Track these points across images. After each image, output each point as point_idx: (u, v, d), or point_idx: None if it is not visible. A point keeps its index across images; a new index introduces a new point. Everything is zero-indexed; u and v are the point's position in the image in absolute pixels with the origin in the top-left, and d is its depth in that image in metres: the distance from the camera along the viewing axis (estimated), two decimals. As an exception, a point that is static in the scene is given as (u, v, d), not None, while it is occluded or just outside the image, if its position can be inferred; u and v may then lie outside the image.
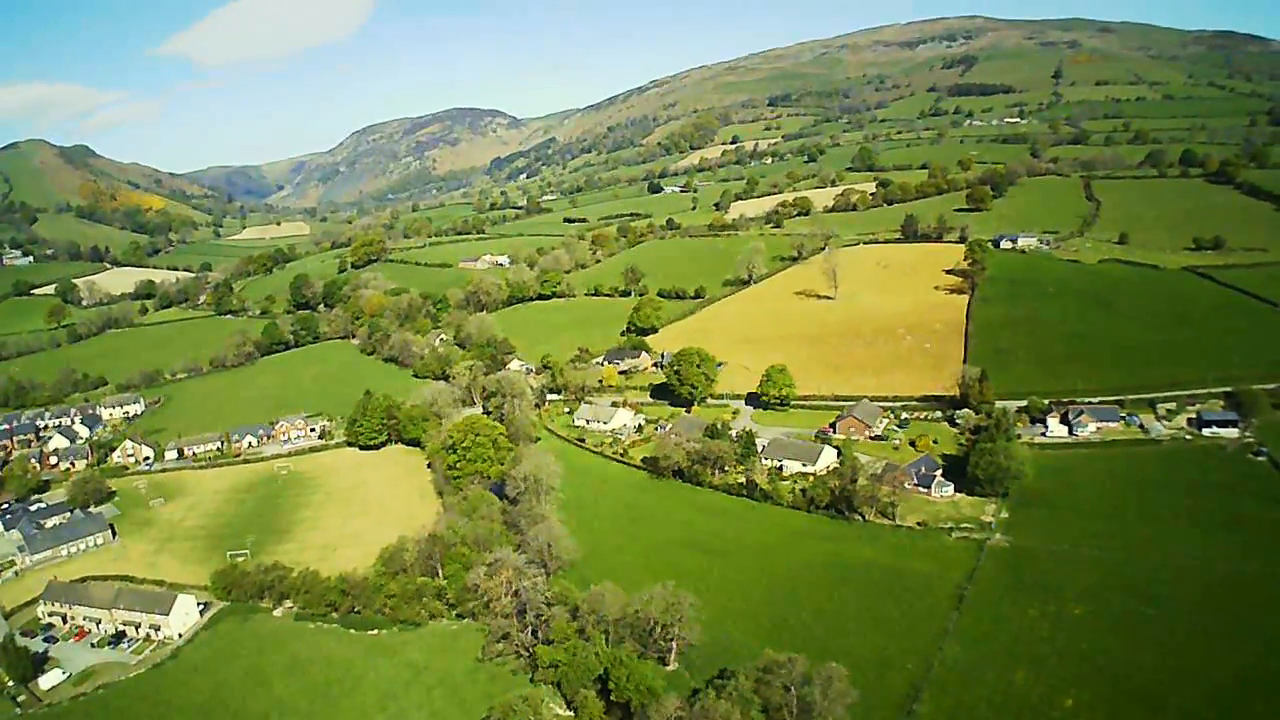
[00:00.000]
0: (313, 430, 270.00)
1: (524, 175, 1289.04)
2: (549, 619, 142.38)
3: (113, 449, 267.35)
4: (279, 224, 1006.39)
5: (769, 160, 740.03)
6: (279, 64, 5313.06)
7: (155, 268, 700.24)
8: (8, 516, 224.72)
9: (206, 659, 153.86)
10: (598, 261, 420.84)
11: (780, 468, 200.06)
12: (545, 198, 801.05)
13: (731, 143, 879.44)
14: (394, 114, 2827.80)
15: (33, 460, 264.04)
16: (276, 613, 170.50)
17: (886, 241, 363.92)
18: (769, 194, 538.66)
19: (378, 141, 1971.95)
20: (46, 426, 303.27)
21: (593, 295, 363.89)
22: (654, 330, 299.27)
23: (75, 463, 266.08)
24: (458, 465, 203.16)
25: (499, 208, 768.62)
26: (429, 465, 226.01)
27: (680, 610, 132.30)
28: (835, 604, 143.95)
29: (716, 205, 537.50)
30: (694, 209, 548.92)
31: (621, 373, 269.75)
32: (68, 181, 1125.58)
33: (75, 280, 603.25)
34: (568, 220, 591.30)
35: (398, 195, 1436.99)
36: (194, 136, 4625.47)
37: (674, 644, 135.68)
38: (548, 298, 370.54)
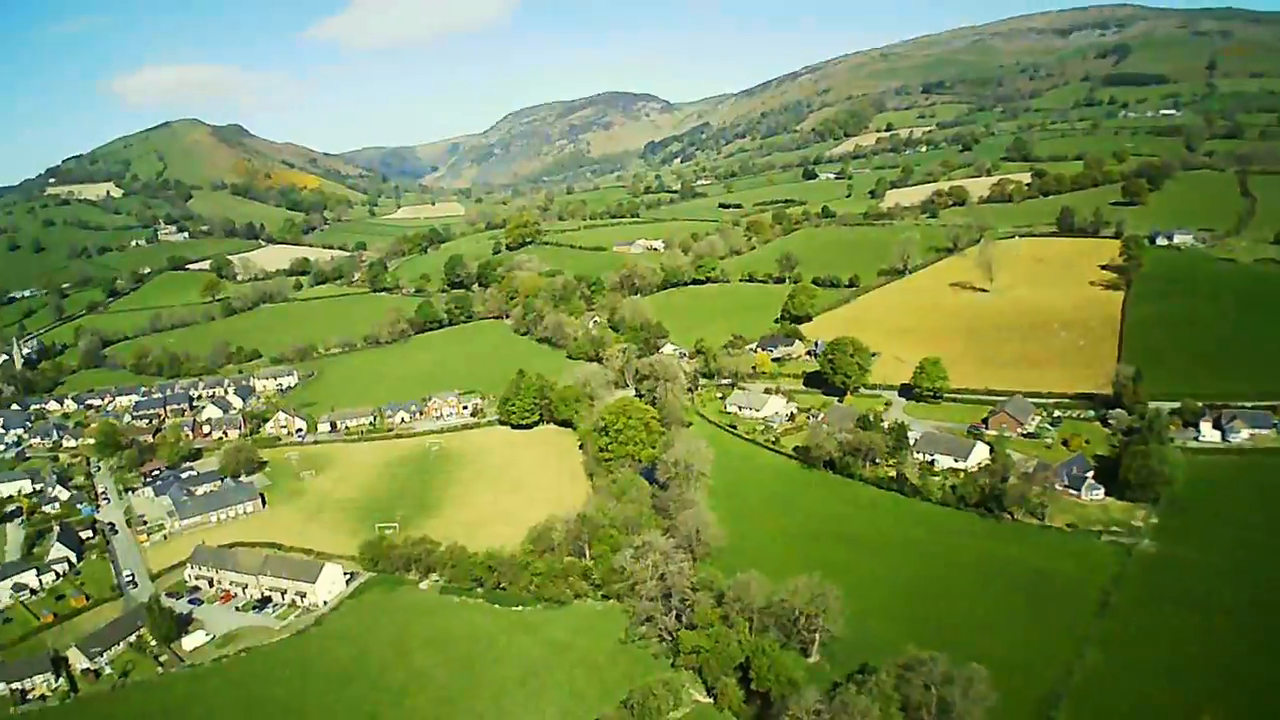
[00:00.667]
0: (465, 408, 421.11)
1: (678, 160, 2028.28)
2: (693, 604, 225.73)
3: (266, 420, 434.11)
4: (434, 204, 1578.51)
5: (923, 148, 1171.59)
6: (431, 46, 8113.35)
7: (310, 245, 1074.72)
8: (159, 482, 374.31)
9: (350, 627, 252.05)
10: (752, 248, 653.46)
11: (931, 462, 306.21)
12: (699, 182, 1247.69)
13: (886, 130, 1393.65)
14: (547, 97, 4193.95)
15: (185, 429, 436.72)
16: (422, 586, 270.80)
17: (1042, 235, 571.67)
18: (924, 182, 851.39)
19: (531, 124, 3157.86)
20: (200, 397, 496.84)
21: (747, 281, 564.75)
22: (808, 318, 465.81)
23: (228, 432, 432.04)
24: (609, 447, 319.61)
25: (653, 191, 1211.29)
26: (580, 446, 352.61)
27: (825, 602, 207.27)
28: (979, 603, 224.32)
29: (871, 193, 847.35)
30: (849, 196, 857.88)
31: (775, 360, 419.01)
32: (222, 160, 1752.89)
33: (230, 256, 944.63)
34: (722, 205, 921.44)
35: (552, 178, 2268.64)
36: (347, 118, 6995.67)
37: (816, 636, 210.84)
38: (702, 283, 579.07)
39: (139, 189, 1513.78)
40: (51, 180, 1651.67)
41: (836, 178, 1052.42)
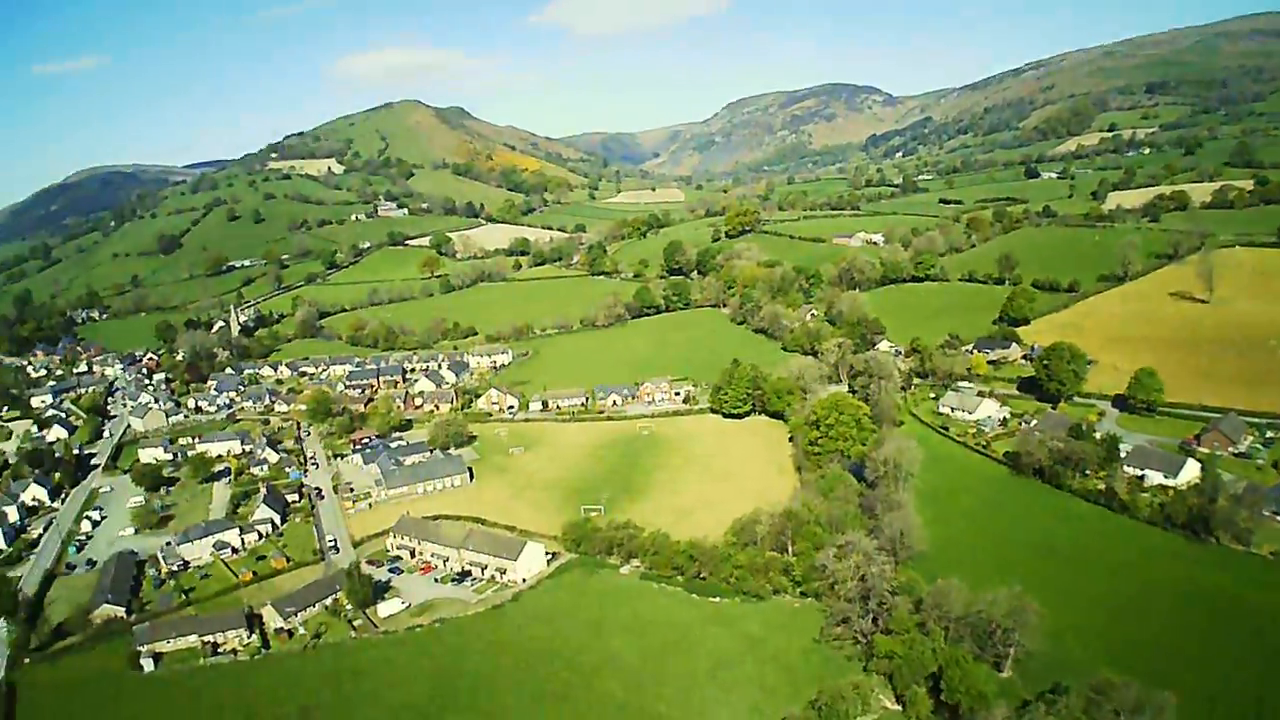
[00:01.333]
0: (677, 394, 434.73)
1: (899, 154, 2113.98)
2: (891, 608, 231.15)
3: (478, 396, 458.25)
4: (654, 190, 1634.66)
5: (1146, 150, 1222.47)
6: (654, 33, 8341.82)
7: (529, 226, 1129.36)
8: (368, 451, 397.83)
9: (547, 607, 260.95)
10: (972, 246, 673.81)
11: (1141, 477, 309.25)
12: (921, 177, 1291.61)
13: (1109, 130, 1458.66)
14: (768, 86, 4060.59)
15: (397, 400, 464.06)
16: (623, 570, 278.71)
17: (1264, 245, 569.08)
18: (1146, 185, 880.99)
19: (752, 114, 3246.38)
20: (414, 370, 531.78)
21: (966, 280, 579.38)
22: (1025, 321, 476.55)
23: (440, 406, 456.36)
24: (819, 442, 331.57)
25: (874, 185, 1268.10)
26: (790, 439, 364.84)
27: (1024, 616, 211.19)
28: (1176, 628, 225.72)
29: (1093, 194, 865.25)
30: (1070, 197, 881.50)
31: (990, 363, 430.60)
32: (444, 141, 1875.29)
33: (449, 234, 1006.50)
34: (943, 201, 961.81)
35: (773, 168, 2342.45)
36: (569, 103, 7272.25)
37: (1011, 650, 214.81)
38: (920, 280, 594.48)
39: (360, 166, 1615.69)
40: (273, 155, 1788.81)
41: (1058, 177, 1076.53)
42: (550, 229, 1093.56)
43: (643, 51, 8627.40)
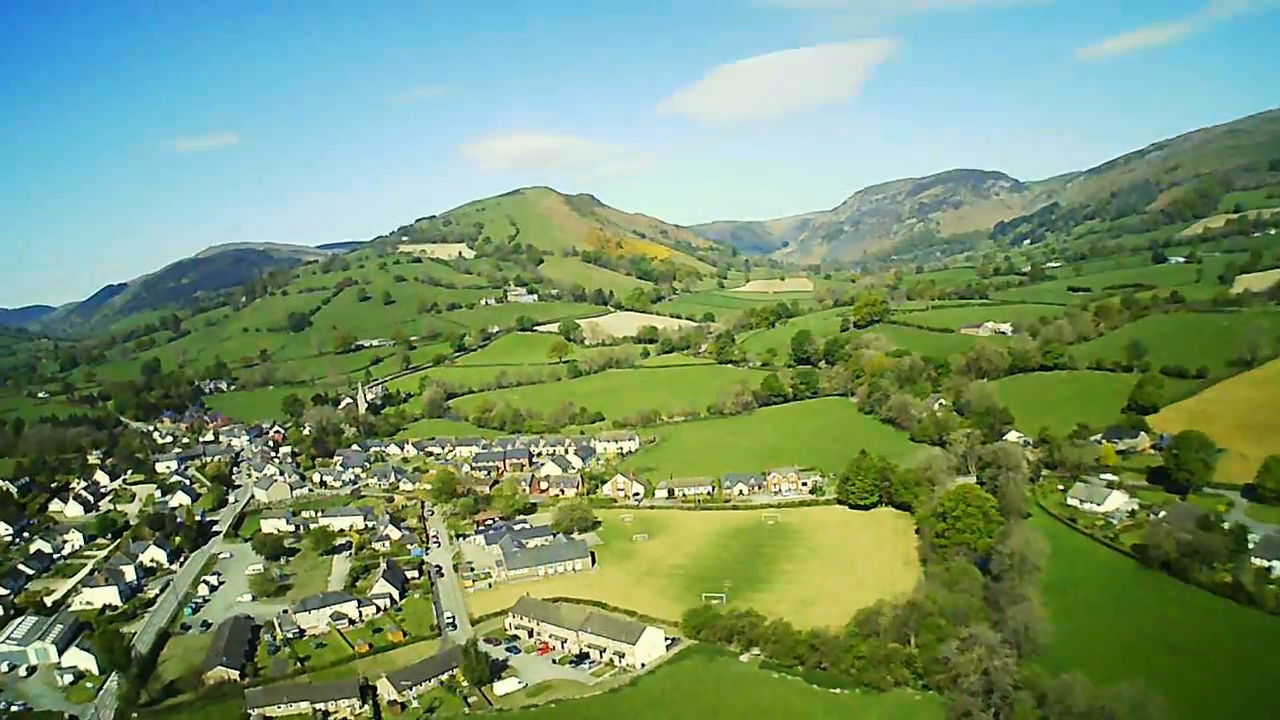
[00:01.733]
0: (804, 484, 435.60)
1: (1027, 240, 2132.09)
2: (1014, 703, 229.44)
3: (603, 482, 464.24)
4: (783, 279, 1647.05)
5: (1272, 230, 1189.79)
6: (781, 121, 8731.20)
7: (658, 314, 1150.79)
8: (491, 532, 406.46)
9: (665, 692, 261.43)
10: (1100, 334, 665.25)
11: (1269, 568, 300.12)
12: (1049, 265, 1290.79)
13: (1234, 211, 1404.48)
14: (895, 174, 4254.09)
15: (523, 484, 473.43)
16: (743, 658, 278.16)
17: None
18: (1273, 267, 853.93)
19: (880, 202, 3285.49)
20: (540, 454, 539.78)
21: (1094, 369, 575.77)
22: (1154, 409, 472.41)
23: (565, 490, 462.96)
24: (945, 534, 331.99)
25: (1002, 273, 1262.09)
26: (917, 531, 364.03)
27: (1147, 712, 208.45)
28: None
29: (1220, 278, 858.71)
30: (1198, 281, 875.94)
31: (1119, 452, 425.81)
32: (573, 227, 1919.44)
33: (578, 320, 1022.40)
34: (1071, 289, 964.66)
35: (901, 256, 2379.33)
36: (697, 190, 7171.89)
37: None
38: (1049, 368, 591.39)
39: (490, 251, 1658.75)
40: (404, 238, 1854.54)
41: (1186, 261, 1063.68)
42: (679, 317, 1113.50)
43: (770, 139, 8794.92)
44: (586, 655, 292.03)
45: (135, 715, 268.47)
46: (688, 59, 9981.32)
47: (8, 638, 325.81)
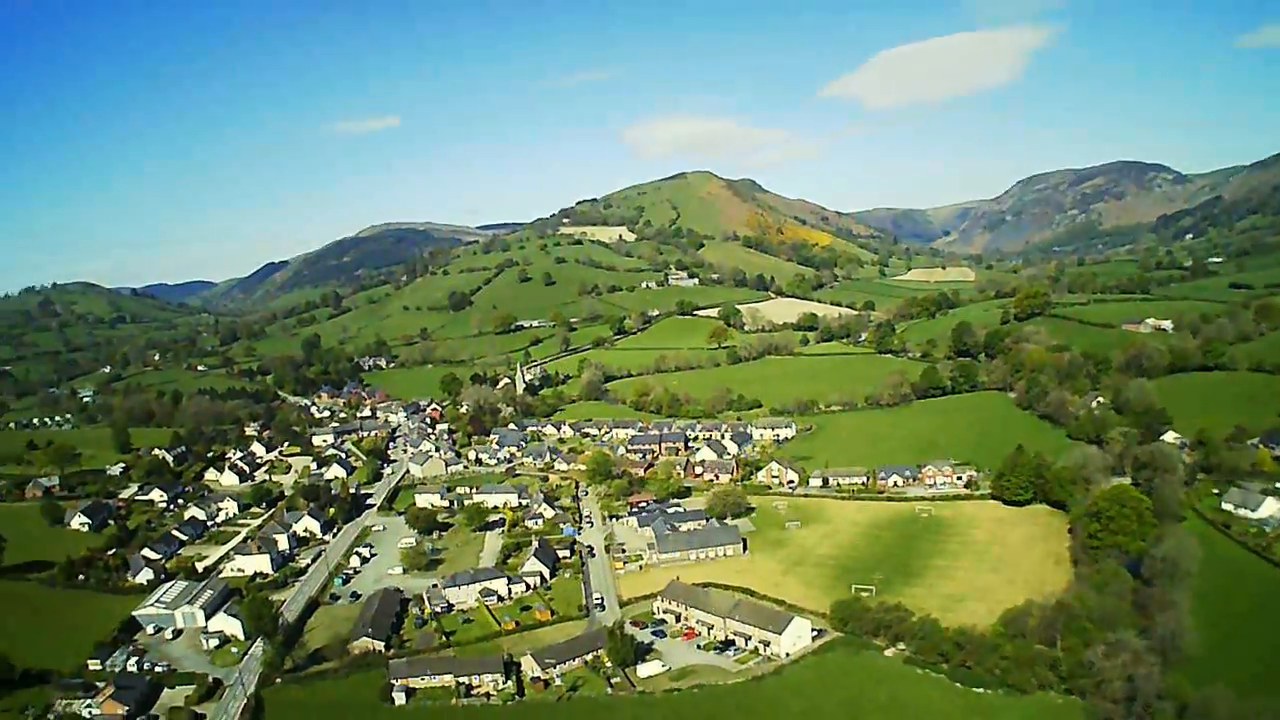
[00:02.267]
0: (959, 478, 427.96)
1: (1189, 234, 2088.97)
2: (1155, 713, 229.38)
3: (758, 469, 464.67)
4: (943, 268, 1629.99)
5: None
6: (942, 107, 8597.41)
7: (818, 301, 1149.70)
8: (644, 514, 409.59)
9: (807, 682, 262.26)
10: (1261, 334, 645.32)
11: None
12: (1211, 260, 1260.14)
13: None
14: (1057, 163, 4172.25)
15: (678, 468, 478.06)
16: (888, 653, 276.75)
17: None
18: None
19: (1043, 192, 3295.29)
20: (696, 438, 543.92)
21: (1255, 370, 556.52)
22: None
23: (719, 476, 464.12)
24: (1098, 535, 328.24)
25: (1164, 268, 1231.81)
26: (1070, 530, 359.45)
27: None
28: None
29: None
30: None
31: (1275, 458, 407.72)
32: (734, 213, 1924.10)
33: (739, 305, 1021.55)
34: (1233, 286, 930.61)
35: (1063, 248, 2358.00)
36: (858, 177, 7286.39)
37: None
38: (1209, 369, 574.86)
39: (651, 235, 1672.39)
40: (565, 220, 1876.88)
41: None
42: (839, 305, 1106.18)
43: (930, 126, 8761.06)
44: (732, 642, 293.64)
45: (278, 680, 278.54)
46: (849, 44, 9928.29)
47: (157, 601, 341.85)
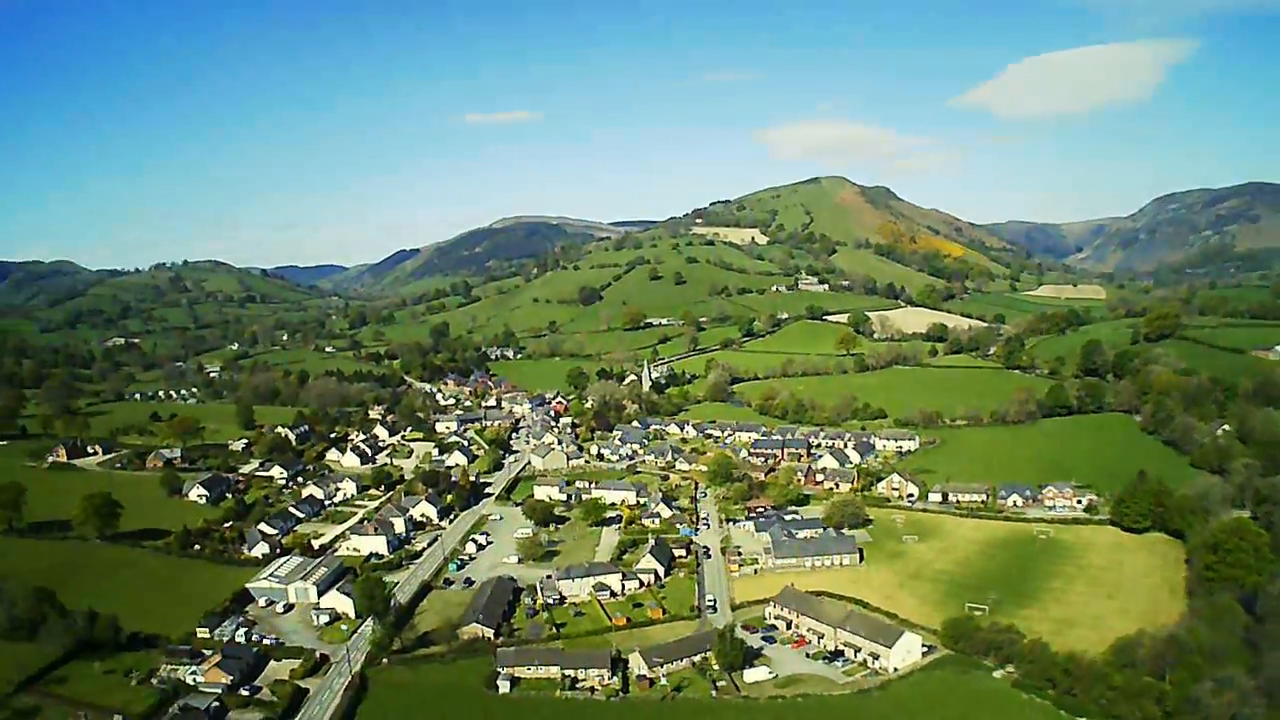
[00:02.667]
0: (1078, 501, 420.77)
1: None
2: None
3: (879, 479, 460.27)
4: (1075, 285, 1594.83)
5: None
6: (1075, 120, 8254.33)
7: (948, 312, 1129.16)
8: (761, 519, 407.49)
9: (913, 699, 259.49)
10: None
11: None
12: None
13: None
14: (1192, 182, 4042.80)
15: (798, 474, 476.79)
16: (996, 674, 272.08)
17: None
18: None
19: (1177, 211, 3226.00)
20: (819, 445, 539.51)
21: None
22: None
23: (839, 484, 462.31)
24: (1214, 567, 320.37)
25: None
26: (1186, 561, 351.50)
27: None
28: None
29: None
30: None
31: None
32: (868, 220, 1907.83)
33: (868, 313, 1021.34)
34: None
35: (1195, 270, 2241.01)
36: (991, 188, 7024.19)
37: None
38: None
39: (784, 238, 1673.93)
40: (698, 220, 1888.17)
41: None
42: (969, 317, 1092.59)
43: (1064, 138, 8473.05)
44: (841, 653, 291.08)
45: (385, 661, 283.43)
46: (983, 54, 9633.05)
47: (270, 575, 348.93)
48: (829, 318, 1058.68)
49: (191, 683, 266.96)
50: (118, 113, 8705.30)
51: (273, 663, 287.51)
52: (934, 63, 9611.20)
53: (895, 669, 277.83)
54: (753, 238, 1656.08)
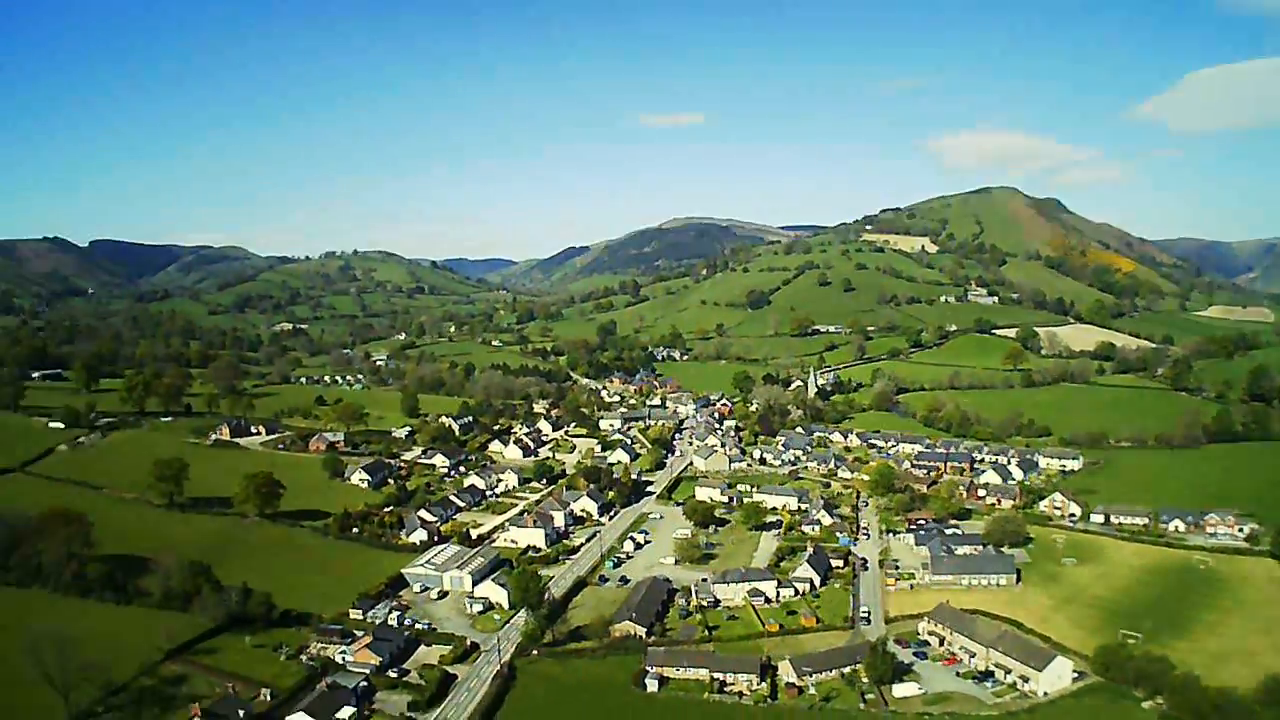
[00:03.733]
0: (1240, 530, 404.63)
1: None
2: None
3: (1041, 498, 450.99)
4: (1244, 307, 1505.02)
5: None
6: (1252, 136, 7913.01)
7: (1116, 330, 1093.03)
8: (921, 533, 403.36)
9: None
10: None
11: None
12: None
13: None
14: None
15: (961, 488, 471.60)
16: (1145, 705, 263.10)
17: None
18: None
19: None
20: (982, 460, 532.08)
21: None
22: None
23: (1001, 501, 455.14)
24: None
25: None
26: None
27: None
28: None
29: None
30: None
31: None
32: (1038, 232, 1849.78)
33: (1036, 328, 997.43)
34: None
35: None
36: (1161, 202, 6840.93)
37: None
38: None
39: (953, 248, 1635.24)
40: (868, 227, 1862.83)
41: None
42: (1137, 336, 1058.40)
43: (1239, 153, 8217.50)
44: (991, 673, 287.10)
45: (535, 652, 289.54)
46: (1159, 64, 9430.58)
47: (427, 561, 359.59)
48: (997, 331, 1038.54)
49: (340, 662, 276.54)
50: (296, 104, 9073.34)
51: (423, 647, 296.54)
52: (1109, 73, 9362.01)
53: (1045, 693, 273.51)
54: (923, 246, 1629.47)
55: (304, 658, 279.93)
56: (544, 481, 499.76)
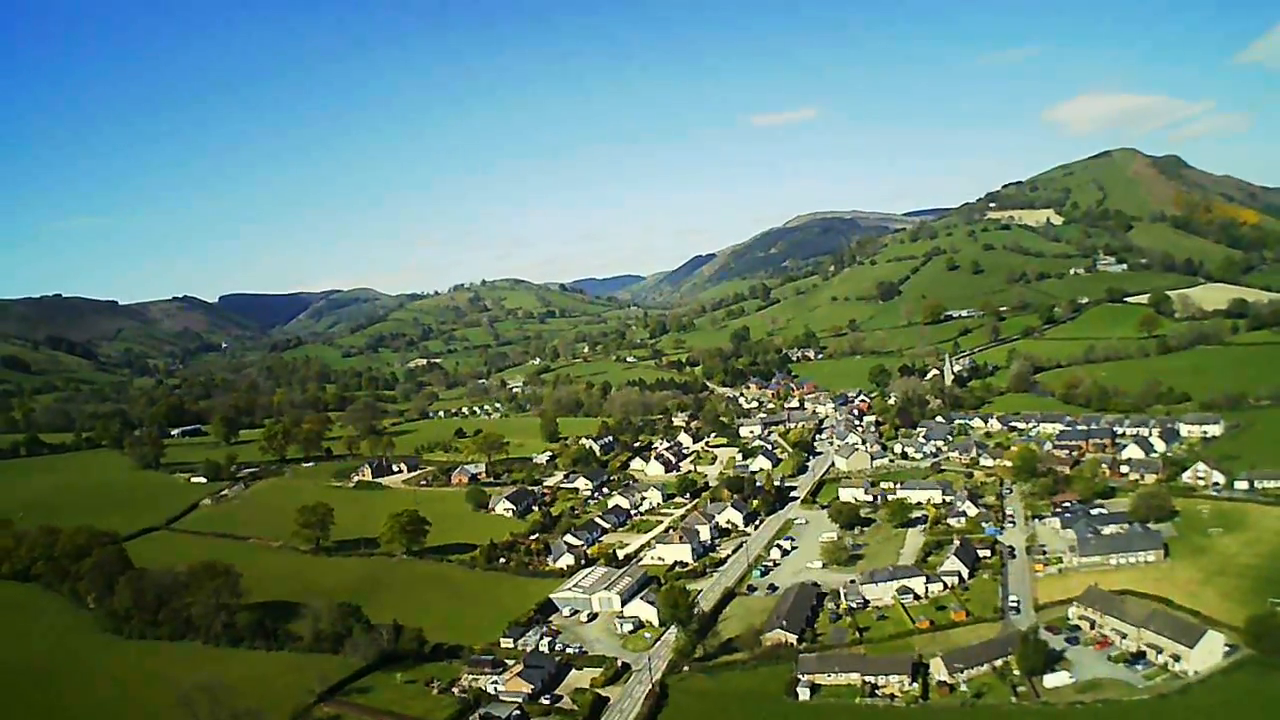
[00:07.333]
0: None
1: None
2: None
3: (1184, 468, 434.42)
4: None
5: None
6: None
7: (1248, 285, 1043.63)
8: (1067, 515, 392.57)
9: (1211, 705, 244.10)
10: None
11: None
12: None
13: None
14: None
15: (1104, 466, 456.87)
16: None
17: None
18: None
19: None
20: (1123, 434, 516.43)
21: None
22: None
23: (1145, 475, 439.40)
24: None
25: None
26: None
27: None
28: None
29: None
30: None
31: None
32: (1161, 192, 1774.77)
33: (1168, 292, 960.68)
34: None
35: None
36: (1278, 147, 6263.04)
37: None
38: None
39: (1078, 218, 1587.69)
40: (991, 204, 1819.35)
41: None
42: (1270, 289, 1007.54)
43: None
44: (1143, 654, 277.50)
45: (687, 668, 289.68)
46: (1255, 6, 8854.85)
47: (575, 585, 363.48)
48: (1129, 299, 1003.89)
49: (492, 692, 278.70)
50: (417, 132, 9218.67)
51: (574, 671, 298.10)
52: (1205, 21, 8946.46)
53: (1195, 671, 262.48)
54: (1048, 218, 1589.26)
55: (456, 690, 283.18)
56: (688, 496, 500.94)
